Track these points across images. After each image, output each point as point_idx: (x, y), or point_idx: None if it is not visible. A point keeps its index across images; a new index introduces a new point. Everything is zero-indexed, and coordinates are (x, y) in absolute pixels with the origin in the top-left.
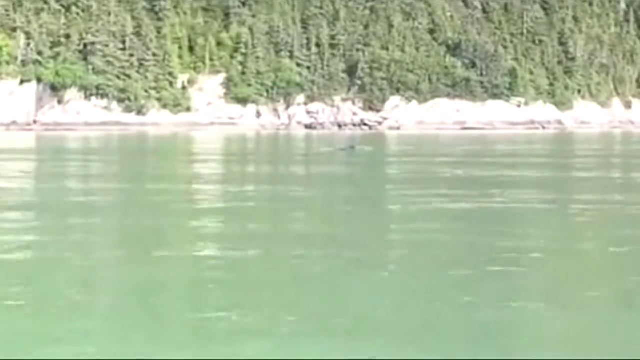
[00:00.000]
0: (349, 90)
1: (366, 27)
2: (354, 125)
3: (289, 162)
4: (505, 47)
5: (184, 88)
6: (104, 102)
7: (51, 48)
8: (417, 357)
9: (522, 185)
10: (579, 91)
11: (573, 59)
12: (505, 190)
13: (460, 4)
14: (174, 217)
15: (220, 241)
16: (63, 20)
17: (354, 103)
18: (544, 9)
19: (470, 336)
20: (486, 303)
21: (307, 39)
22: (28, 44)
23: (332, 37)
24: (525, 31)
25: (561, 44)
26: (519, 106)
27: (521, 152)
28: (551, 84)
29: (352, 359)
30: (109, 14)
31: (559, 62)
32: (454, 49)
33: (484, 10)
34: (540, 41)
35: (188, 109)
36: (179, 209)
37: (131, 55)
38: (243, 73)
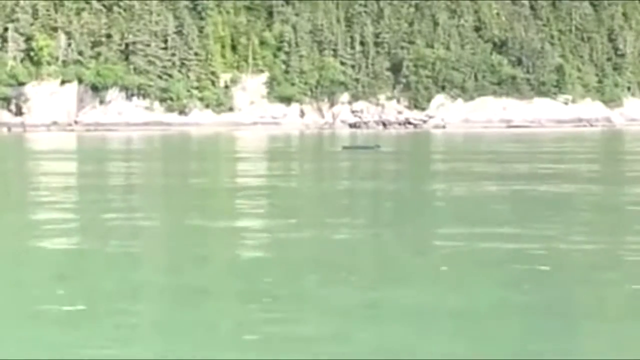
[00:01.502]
0: (394, 88)
1: (411, 24)
2: (399, 124)
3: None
4: (552, 44)
5: (226, 87)
6: (146, 102)
7: (92, 48)
8: None
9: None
10: (629, 88)
11: (622, 56)
12: None
13: (507, 1)
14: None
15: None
16: (104, 20)
17: (398, 101)
18: (593, 6)
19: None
20: None
21: (351, 37)
22: (69, 44)
23: (377, 35)
24: (573, 28)
25: (610, 40)
26: (566, 103)
27: (581, 150)
28: (600, 81)
29: None
30: (151, 13)
31: (608, 59)
32: (500, 46)
33: (532, 7)
34: (589, 38)
35: (231, 109)
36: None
37: (173, 54)
38: (286, 72)
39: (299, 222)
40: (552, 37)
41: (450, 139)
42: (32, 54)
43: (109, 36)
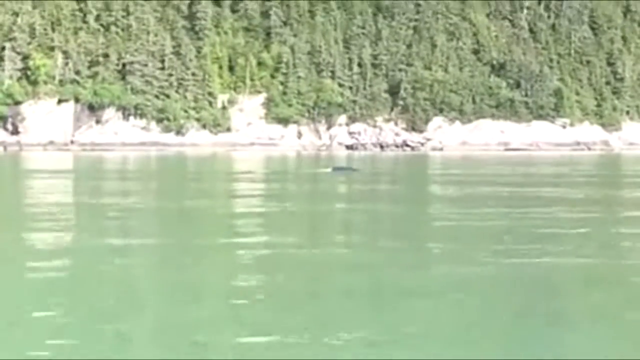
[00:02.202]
0: (392, 110)
1: (409, 46)
2: (396, 146)
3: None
4: (551, 67)
5: (223, 108)
6: (143, 122)
7: (89, 67)
8: None
9: None
10: (628, 112)
11: (621, 80)
12: None
13: (506, 23)
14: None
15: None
16: (102, 40)
17: (396, 124)
18: (592, 29)
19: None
20: None
21: (349, 58)
22: (66, 63)
23: (375, 57)
24: (572, 51)
25: (609, 64)
26: (564, 127)
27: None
28: (599, 105)
29: None
30: (148, 33)
31: (607, 83)
32: (498, 69)
33: (531, 31)
34: (588, 61)
35: (228, 129)
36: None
37: (170, 74)
38: (284, 93)
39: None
40: (551, 60)
41: (435, 161)
42: (28, 72)
43: (106, 56)
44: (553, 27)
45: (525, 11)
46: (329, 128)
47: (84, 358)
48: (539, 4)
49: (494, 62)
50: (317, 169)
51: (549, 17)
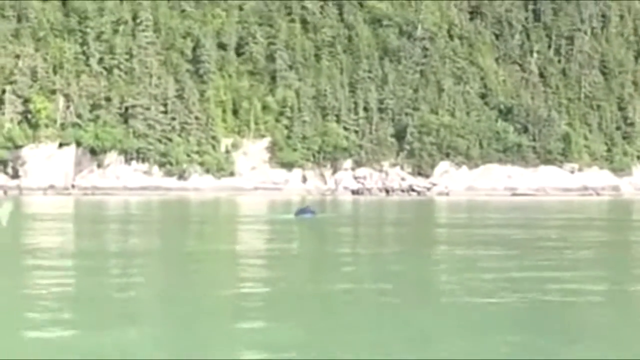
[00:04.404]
0: (398, 155)
1: (415, 91)
2: (402, 190)
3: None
4: (559, 112)
5: (227, 152)
6: (145, 166)
7: (91, 111)
8: None
9: None
10: (638, 157)
11: (632, 124)
12: None
13: (516, 67)
14: None
15: None
16: (104, 83)
17: (402, 168)
18: (603, 74)
19: None
20: None
21: (355, 102)
22: (67, 107)
23: (381, 101)
24: (583, 96)
25: (620, 109)
26: (572, 172)
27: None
28: (609, 150)
29: None
30: (151, 76)
31: (618, 128)
32: (505, 113)
33: (541, 75)
34: (599, 106)
35: (231, 174)
36: None
37: (173, 118)
38: (289, 137)
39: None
40: (560, 104)
41: (425, 206)
42: (29, 116)
43: (108, 99)
44: (563, 71)
45: (535, 55)
46: (334, 172)
47: None
48: (549, 48)
49: (502, 106)
50: (280, 214)
51: (559, 61)
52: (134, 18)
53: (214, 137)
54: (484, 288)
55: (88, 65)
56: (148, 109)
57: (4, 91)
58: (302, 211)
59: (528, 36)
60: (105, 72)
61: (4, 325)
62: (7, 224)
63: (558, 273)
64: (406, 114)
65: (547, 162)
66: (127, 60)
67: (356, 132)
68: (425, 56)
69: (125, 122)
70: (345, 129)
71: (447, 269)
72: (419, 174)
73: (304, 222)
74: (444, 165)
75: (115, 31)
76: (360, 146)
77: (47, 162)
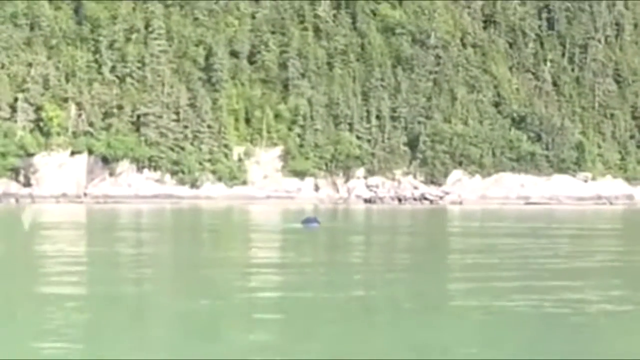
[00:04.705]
0: (410, 163)
1: (428, 99)
2: (415, 199)
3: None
4: (573, 121)
5: (239, 160)
6: (157, 174)
7: (103, 119)
8: None
9: None
10: None
11: None
12: None
13: (529, 76)
14: None
15: None
16: (116, 91)
17: (415, 177)
18: (617, 82)
19: None
20: None
21: (368, 111)
22: (79, 115)
23: (393, 110)
24: (596, 104)
25: (634, 117)
26: (585, 181)
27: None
28: (623, 158)
29: None
30: (163, 84)
31: (631, 136)
32: (519, 122)
33: (555, 83)
34: (612, 115)
35: (244, 182)
36: None
37: (185, 126)
38: (301, 146)
39: None
40: (574, 113)
41: (437, 215)
42: (41, 124)
43: (120, 107)
44: (577, 80)
45: (548, 64)
46: (346, 181)
47: None
48: (563, 56)
49: (515, 115)
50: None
51: (572, 70)
52: (147, 26)
53: (226, 146)
54: (499, 296)
55: (100, 73)
56: (160, 117)
57: (16, 99)
58: (308, 220)
59: (542, 44)
60: (117, 81)
61: (21, 325)
62: (29, 228)
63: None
64: (419, 123)
65: (561, 170)
66: (139, 68)
67: (369, 140)
68: (438, 64)
69: (137, 130)
70: (358, 137)
71: (462, 283)
72: (432, 182)
73: (312, 231)
74: (456, 174)
75: (128, 39)
76: (373, 155)
77: (59, 170)
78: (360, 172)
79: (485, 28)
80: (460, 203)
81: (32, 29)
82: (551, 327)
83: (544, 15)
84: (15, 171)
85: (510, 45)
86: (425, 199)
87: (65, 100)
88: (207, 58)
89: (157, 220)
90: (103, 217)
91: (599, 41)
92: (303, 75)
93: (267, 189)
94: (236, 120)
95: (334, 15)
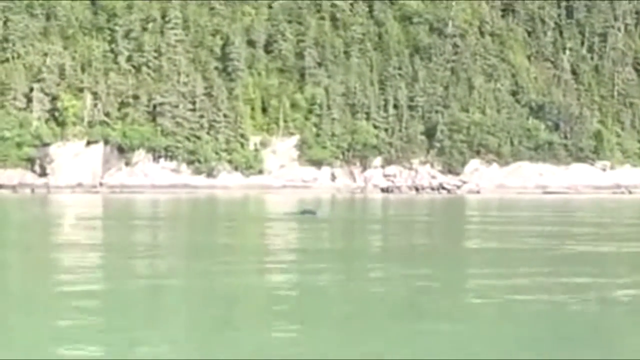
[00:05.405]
0: (428, 152)
1: (446, 88)
2: (432, 188)
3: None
4: (591, 109)
5: (256, 150)
6: (173, 164)
7: (119, 109)
8: None
9: None
10: None
11: None
12: None
13: (548, 65)
14: None
15: None
16: (132, 81)
17: (432, 166)
18: (636, 71)
19: None
20: None
21: (385, 100)
22: (95, 105)
23: (411, 99)
24: (615, 93)
25: None
26: (604, 170)
27: None
28: None
29: None
30: (179, 74)
31: None
32: (537, 111)
33: (574, 72)
34: (632, 103)
35: (260, 172)
36: None
37: (201, 116)
38: (318, 135)
39: None
40: (593, 102)
41: (455, 205)
42: (57, 114)
43: (136, 97)
44: (596, 68)
45: (567, 52)
46: (363, 170)
47: None
48: (582, 45)
49: (533, 103)
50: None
51: (592, 58)
52: (163, 16)
53: (242, 135)
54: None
55: (116, 63)
56: (176, 106)
57: (32, 89)
58: (306, 212)
59: (561, 33)
60: (133, 70)
61: (38, 321)
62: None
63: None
64: (436, 112)
65: (579, 159)
66: (155, 58)
67: (386, 129)
68: (455, 53)
69: (154, 120)
70: (375, 126)
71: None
72: (449, 171)
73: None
74: (474, 163)
75: (144, 29)
76: (390, 144)
77: (74, 160)
78: (378, 161)
79: (503, 16)
80: (478, 192)
81: (48, 18)
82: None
83: (563, 3)
84: (31, 161)
85: (529, 33)
86: (443, 188)
87: (81, 90)
88: (223, 47)
89: (179, 210)
90: (123, 207)
91: (619, 29)
92: (320, 64)
93: (284, 178)
94: (252, 109)
95: (351, 4)
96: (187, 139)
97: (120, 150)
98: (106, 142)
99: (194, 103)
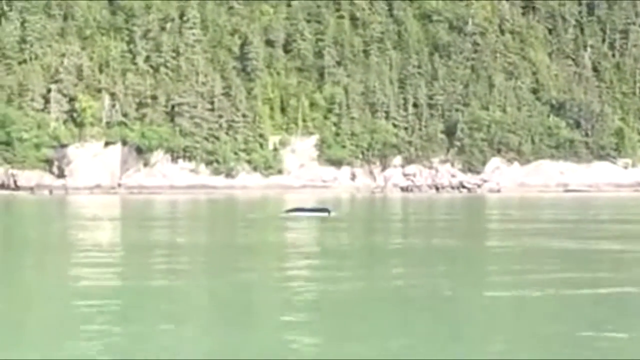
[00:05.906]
0: (448, 151)
1: (466, 86)
2: (452, 187)
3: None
4: (612, 107)
5: (275, 150)
6: (191, 164)
7: (137, 109)
8: None
9: None
10: None
11: None
12: None
13: (569, 62)
14: None
15: None
16: (150, 81)
17: (452, 165)
18: None
19: None
20: None
21: (404, 98)
22: (113, 105)
23: (430, 97)
24: (637, 90)
25: None
26: (625, 167)
27: None
28: None
29: None
30: (197, 74)
31: None
32: (557, 109)
33: (595, 69)
34: None
35: (279, 172)
36: None
37: (220, 116)
38: (337, 134)
39: None
40: (615, 99)
41: (475, 204)
42: (75, 115)
43: (154, 97)
44: (617, 65)
45: (589, 50)
46: (383, 170)
47: None
48: (603, 42)
49: (554, 101)
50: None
51: (613, 55)
52: (181, 16)
53: (261, 135)
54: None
55: (134, 63)
56: (195, 107)
57: (49, 90)
58: (295, 210)
59: (582, 30)
60: (151, 70)
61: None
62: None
63: None
64: (456, 110)
65: (600, 157)
66: (173, 58)
67: (405, 128)
68: (475, 51)
69: (172, 120)
70: (395, 125)
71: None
72: (470, 170)
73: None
74: (495, 162)
75: (162, 29)
76: (410, 143)
77: (92, 161)
78: (397, 160)
79: (524, 14)
80: (499, 191)
81: (65, 19)
82: None
83: (584, 1)
84: (49, 162)
85: (550, 31)
86: (463, 187)
87: (99, 90)
88: (242, 47)
89: (198, 211)
90: (142, 208)
91: None
92: (339, 64)
93: (303, 178)
94: (271, 109)
95: (370, 3)
96: (206, 139)
97: (139, 151)
98: (124, 143)
99: (212, 103)
